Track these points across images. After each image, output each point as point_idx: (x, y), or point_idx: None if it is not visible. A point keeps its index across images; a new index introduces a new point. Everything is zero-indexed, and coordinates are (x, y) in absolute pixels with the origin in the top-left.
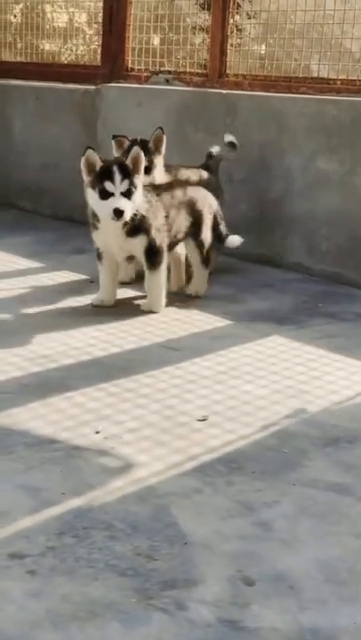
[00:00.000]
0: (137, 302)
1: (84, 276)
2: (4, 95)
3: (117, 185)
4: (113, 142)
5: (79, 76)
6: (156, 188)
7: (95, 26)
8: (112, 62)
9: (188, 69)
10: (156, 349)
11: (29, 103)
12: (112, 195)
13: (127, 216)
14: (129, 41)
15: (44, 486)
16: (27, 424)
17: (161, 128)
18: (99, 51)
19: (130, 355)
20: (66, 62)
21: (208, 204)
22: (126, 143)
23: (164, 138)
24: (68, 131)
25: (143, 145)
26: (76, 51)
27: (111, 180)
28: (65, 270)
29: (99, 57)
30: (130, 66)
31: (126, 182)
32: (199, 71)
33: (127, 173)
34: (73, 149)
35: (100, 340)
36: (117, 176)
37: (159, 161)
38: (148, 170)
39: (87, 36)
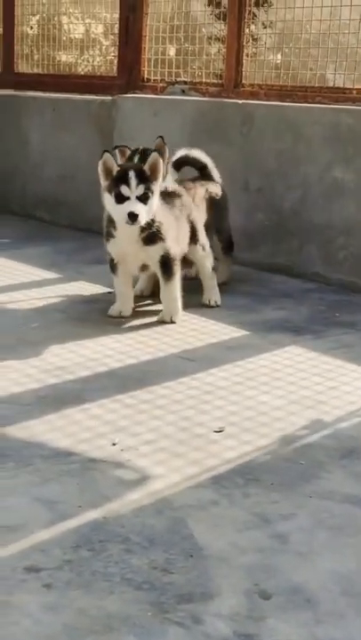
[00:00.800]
0: (154, 313)
1: (101, 287)
2: (22, 107)
3: (133, 189)
4: (116, 152)
5: (96, 86)
6: (166, 197)
7: (111, 37)
8: (128, 73)
9: (203, 79)
10: (173, 360)
11: (46, 114)
12: (127, 199)
13: (142, 220)
14: (145, 52)
15: (60, 499)
16: (43, 436)
17: (162, 137)
18: (115, 62)
19: (146, 366)
20: (82, 73)
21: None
22: (128, 153)
23: (167, 147)
24: (84, 142)
25: (144, 154)
26: (93, 62)
27: (127, 183)
28: (82, 281)
29: (115, 68)
30: (146, 76)
31: (142, 187)
32: (215, 81)
33: (144, 178)
34: (90, 160)
35: (117, 351)
36: (133, 180)
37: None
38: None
39: (104, 47)
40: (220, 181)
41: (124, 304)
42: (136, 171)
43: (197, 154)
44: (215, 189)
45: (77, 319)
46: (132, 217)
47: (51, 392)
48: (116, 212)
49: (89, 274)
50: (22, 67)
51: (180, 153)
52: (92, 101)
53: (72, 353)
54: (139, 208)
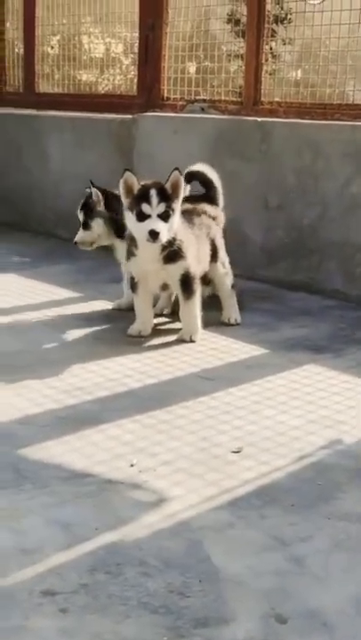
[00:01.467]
0: (174, 331)
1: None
2: (42, 126)
3: (154, 207)
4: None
5: (116, 105)
6: (187, 215)
7: (131, 56)
8: (148, 92)
9: (223, 97)
10: (192, 380)
11: (66, 133)
12: (149, 217)
13: (163, 238)
14: (165, 70)
15: (76, 521)
16: (61, 457)
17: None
18: (135, 80)
19: (165, 386)
20: (103, 92)
21: (217, 225)
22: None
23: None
24: (104, 160)
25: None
26: (113, 80)
27: (148, 201)
28: (102, 300)
29: (135, 86)
30: (165, 95)
31: (163, 205)
32: (234, 99)
33: (165, 196)
34: (109, 178)
35: (137, 370)
36: (155, 198)
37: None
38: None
39: (124, 66)
40: (222, 204)
41: (143, 323)
42: (157, 189)
43: (206, 169)
44: (214, 213)
45: (97, 339)
46: (153, 235)
47: (69, 413)
48: (138, 229)
49: (109, 293)
50: (43, 86)
51: (193, 167)
52: (113, 120)
53: (91, 373)
54: (160, 226)
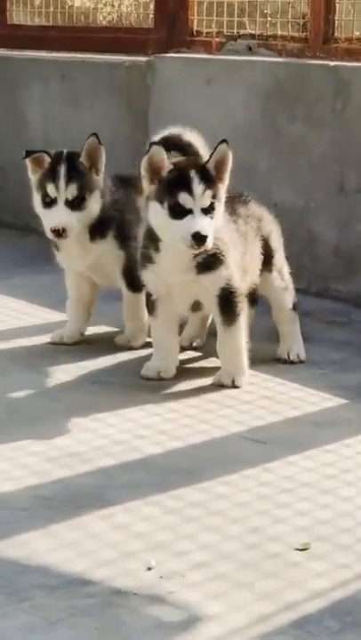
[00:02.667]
0: (208, 372)
1: None
2: (18, 72)
3: (197, 197)
4: (27, 162)
5: (123, 43)
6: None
7: None
8: (170, 23)
9: (279, 32)
10: (235, 443)
11: (52, 83)
12: (189, 212)
13: (210, 243)
14: None
15: None
16: (47, 557)
17: (96, 135)
18: (151, 7)
19: (196, 451)
20: (104, 24)
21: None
22: (47, 161)
23: (102, 150)
24: (106, 123)
25: (71, 160)
26: (119, 7)
27: (188, 190)
28: (103, 325)
29: (151, 16)
30: (195, 28)
31: (209, 194)
32: (295, 34)
33: (210, 181)
34: (115, 149)
35: (155, 429)
36: (198, 185)
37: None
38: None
39: None
40: None
41: (164, 360)
42: (199, 170)
43: (188, 135)
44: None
45: (97, 382)
46: (199, 239)
47: (58, 490)
48: (171, 230)
49: (110, 314)
50: (19, 16)
51: (169, 132)
52: (119, 65)
53: (90, 432)
54: (206, 226)
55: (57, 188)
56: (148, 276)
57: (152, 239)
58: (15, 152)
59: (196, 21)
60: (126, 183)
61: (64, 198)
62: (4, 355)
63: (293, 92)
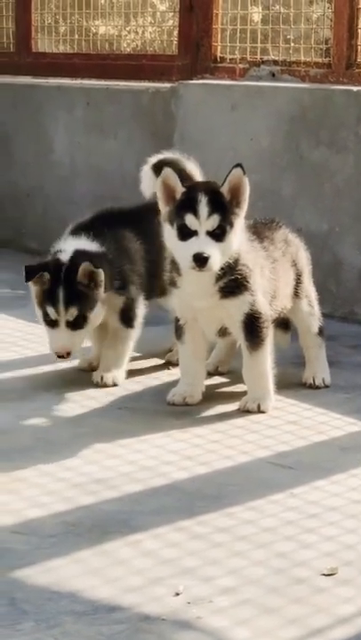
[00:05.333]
0: (233, 397)
1: (157, 360)
2: (42, 99)
3: (203, 220)
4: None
5: (147, 70)
6: (258, 229)
7: None
8: (194, 50)
9: (302, 57)
10: (261, 468)
11: (77, 110)
12: (195, 234)
13: (214, 265)
14: (218, 19)
15: None
16: (74, 583)
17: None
18: (175, 33)
19: (223, 477)
20: (128, 51)
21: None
22: (46, 278)
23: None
24: (130, 149)
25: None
26: (143, 34)
27: (194, 212)
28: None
29: (175, 42)
30: (219, 54)
31: (217, 217)
32: (318, 60)
33: (219, 205)
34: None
35: (181, 454)
36: (204, 207)
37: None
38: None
39: (158, 13)
40: None
41: (191, 385)
42: (209, 193)
43: (182, 160)
44: None
45: (123, 408)
46: (200, 260)
47: (85, 517)
48: (178, 251)
49: (140, 340)
50: (43, 44)
51: (165, 156)
52: (143, 91)
53: (115, 459)
54: (210, 247)
55: (57, 311)
56: (174, 300)
57: (175, 263)
58: (40, 178)
59: (219, 48)
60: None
61: (65, 321)
62: (30, 381)
63: (317, 117)
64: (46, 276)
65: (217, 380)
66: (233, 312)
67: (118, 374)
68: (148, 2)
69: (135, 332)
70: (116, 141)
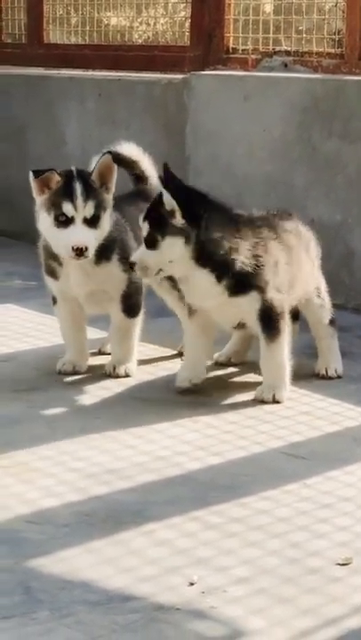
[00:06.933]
0: (247, 387)
1: (170, 350)
2: (54, 91)
3: (80, 208)
4: (33, 183)
5: (159, 61)
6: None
7: None
8: (206, 41)
9: (314, 48)
10: (275, 458)
11: (89, 102)
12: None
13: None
14: (230, 9)
15: None
16: (89, 573)
17: (110, 152)
18: (187, 24)
19: (236, 467)
20: (140, 42)
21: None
22: (56, 180)
23: (115, 169)
24: (143, 140)
25: (84, 178)
26: (155, 25)
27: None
28: (143, 343)
29: (187, 34)
30: (231, 45)
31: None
32: (331, 50)
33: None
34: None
35: (194, 445)
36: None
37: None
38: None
39: (170, 5)
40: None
41: (193, 368)
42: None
43: (132, 152)
44: None
45: (137, 398)
46: (79, 251)
47: (98, 507)
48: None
49: (153, 332)
50: (55, 35)
51: (119, 148)
52: (155, 82)
53: (129, 449)
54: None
55: (75, 206)
56: (187, 300)
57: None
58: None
59: (231, 39)
60: (125, 202)
61: (82, 217)
62: (42, 371)
63: (329, 108)
64: (56, 176)
65: (230, 370)
66: (247, 307)
67: (130, 365)
68: None
69: (139, 321)
70: (128, 133)
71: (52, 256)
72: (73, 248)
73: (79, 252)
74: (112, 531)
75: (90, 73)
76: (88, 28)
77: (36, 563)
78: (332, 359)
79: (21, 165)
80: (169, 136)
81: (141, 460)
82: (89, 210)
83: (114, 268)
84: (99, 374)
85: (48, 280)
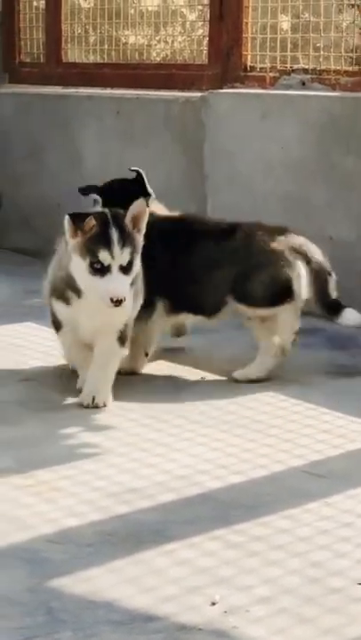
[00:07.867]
0: (261, 404)
1: (194, 371)
2: (72, 109)
3: (117, 256)
4: (67, 226)
5: (177, 79)
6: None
7: (199, 8)
8: (224, 59)
9: (332, 66)
10: (295, 477)
11: (107, 119)
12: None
13: (128, 302)
14: (248, 28)
15: None
16: (111, 592)
17: (145, 197)
18: (205, 43)
19: (257, 486)
20: (158, 61)
21: None
22: (92, 224)
23: (147, 211)
24: (161, 158)
25: (119, 223)
26: (173, 44)
27: (108, 247)
28: (161, 360)
29: (205, 52)
30: (249, 63)
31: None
32: (348, 68)
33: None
34: (170, 185)
35: (215, 463)
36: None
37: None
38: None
39: (188, 23)
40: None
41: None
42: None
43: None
44: None
45: (156, 417)
46: (118, 302)
47: (120, 526)
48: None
49: (175, 345)
50: (73, 54)
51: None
52: (173, 101)
53: (151, 467)
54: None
55: (112, 254)
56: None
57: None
58: (71, 188)
59: (249, 57)
60: None
61: (118, 264)
62: (64, 390)
63: (347, 125)
64: (93, 220)
65: (248, 388)
66: None
67: (108, 395)
68: (177, 11)
69: (125, 351)
70: (147, 151)
71: (72, 287)
72: (112, 300)
73: (118, 303)
74: (133, 550)
75: (108, 91)
76: (106, 46)
77: (58, 582)
78: None
79: (39, 184)
80: (187, 154)
81: (162, 479)
82: (125, 257)
83: (128, 303)
84: (118, 393)
85: (57, 305)
